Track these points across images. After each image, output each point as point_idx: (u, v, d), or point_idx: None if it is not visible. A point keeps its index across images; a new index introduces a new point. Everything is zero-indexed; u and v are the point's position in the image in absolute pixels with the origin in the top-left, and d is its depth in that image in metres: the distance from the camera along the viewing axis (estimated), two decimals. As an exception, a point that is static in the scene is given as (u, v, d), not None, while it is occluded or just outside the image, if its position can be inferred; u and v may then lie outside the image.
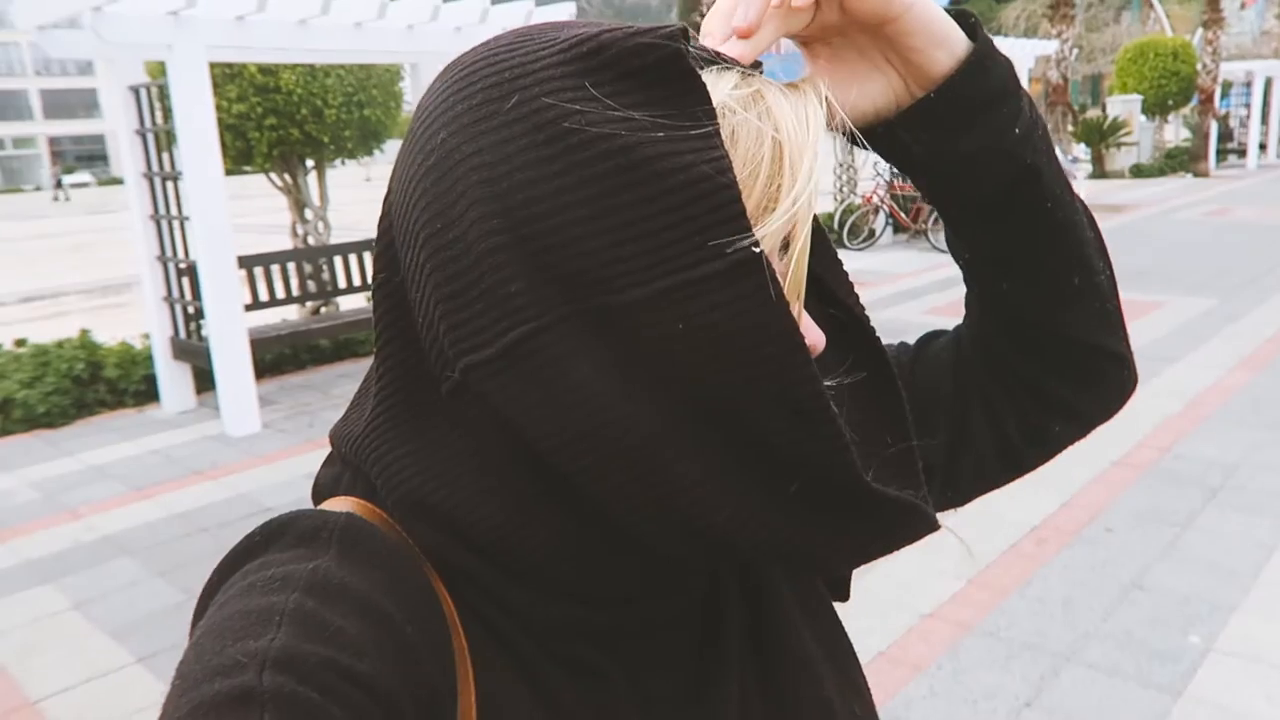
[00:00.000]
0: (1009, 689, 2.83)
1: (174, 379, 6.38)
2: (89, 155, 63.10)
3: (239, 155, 7.66)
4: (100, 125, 59.06)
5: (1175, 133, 23.85)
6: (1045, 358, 0.66)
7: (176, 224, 6.12)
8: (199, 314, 6.06)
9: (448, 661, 0.47)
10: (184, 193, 5.72)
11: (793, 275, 0.47)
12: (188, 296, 6.20)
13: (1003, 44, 12.31)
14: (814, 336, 0.50)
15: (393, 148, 8.98)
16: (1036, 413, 0.67)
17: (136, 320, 6.94)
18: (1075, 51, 17.20)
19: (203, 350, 5.92)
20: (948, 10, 0.56)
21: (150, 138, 6.05)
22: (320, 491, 0.57)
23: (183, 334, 6.28)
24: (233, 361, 5.78)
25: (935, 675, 2.92)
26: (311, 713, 0.39)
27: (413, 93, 8.23)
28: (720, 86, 0.45)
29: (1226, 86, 23.78)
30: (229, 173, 6.30)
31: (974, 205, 0.60)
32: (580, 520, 0.47)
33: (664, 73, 0.43)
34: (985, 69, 0.56)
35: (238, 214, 7.38)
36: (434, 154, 0.45)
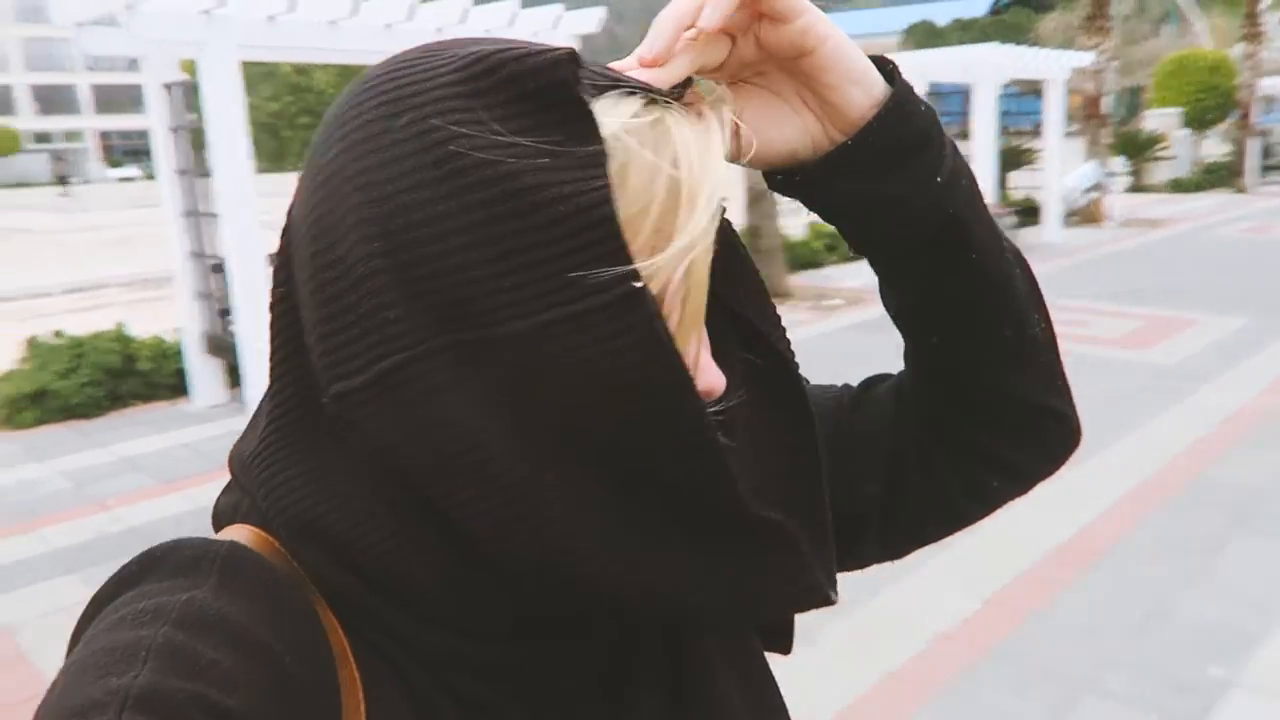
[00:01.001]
0: (1026, 716, 2.80)
1: (205, 373, 6.47)
2: (135, 150, 64.04)
3: (272, 154, 7.77)
4: (145, 120, 59.72)
5: (1216, 147, 23.49)
6: (979, 413, 0.64)
7: (208, 220, 6.19)
8: (229, 310, 6.14)
9: (332, 694, 0.46)
10: (213, 190, 5.79)
11: (688, 313, 0.46)
12: (219, 292, 6.28)
13: (1037, 56, 12.24)
14: (710, 378, 0.49)
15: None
16: (973, 468, 0.66)
17: (173, 314, 7.04)
18: (1114, 64, 16.95)
19: (232, 345, 5.99)
20: (871, 58, 0.55)
21: (183, 134, 6.14)
22: (219, 519, 0.55)
23: (214, 329, 6.36)
24: (260, 358, 5.84)
25: (949, 698, 2.89)
26: None
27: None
28: (618, 113, 0.44)
29: (1268, 101, 23.40)
30: (263, 170, 6.37)
31: (897, 254, 0.58)
32: (461, 552, 0.46)
33: (551, 98, 0.42)
34: (905, 114, 0.54)
35: (269, 211, 7.49)
36: (324, 170, 0.44)
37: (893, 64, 0.56)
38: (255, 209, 5.70)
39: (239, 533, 0.51)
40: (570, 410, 0.42)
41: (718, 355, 0.52)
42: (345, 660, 0.47)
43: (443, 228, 0.40)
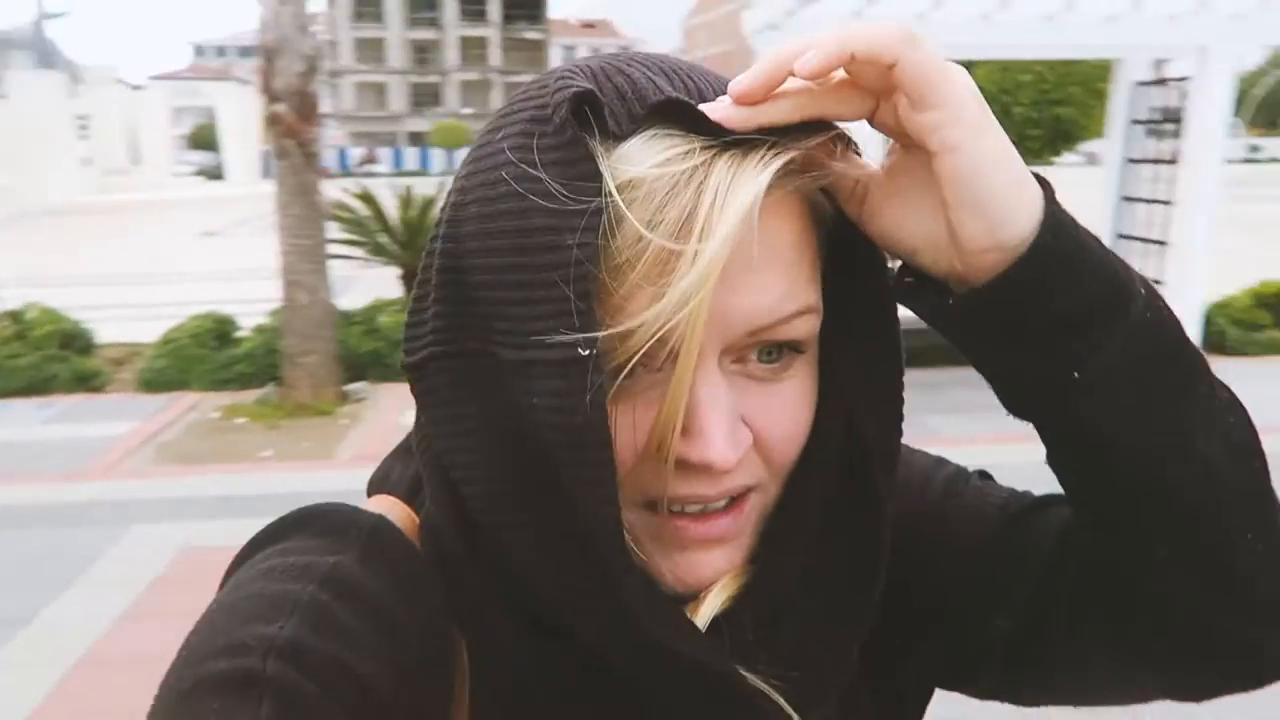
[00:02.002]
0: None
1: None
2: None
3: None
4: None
5: None
6: (1141, 609, 0.51)
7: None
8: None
9: (447, 675, 0.48)
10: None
11: (670, 397, 0.43)
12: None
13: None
14: (705, 450, 0.44)
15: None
16: (1124, 657, 0.54)
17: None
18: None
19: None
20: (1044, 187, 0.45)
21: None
22: (372, 484, 0.58)
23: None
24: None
25: None
26: (308, 706, 0.39)
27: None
28: (644, 157, 0.42)
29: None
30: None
31: (1024, 417, 0.49)
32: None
33: (563, 139, 0.42)
34: (1046, 284, 0.43)
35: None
36: (460, 167, 0.48)
37: (1052, 202, 0.44)
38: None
39: (385, 504, 0.54)
40: (535, 448, 0.43)
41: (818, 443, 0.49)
42: (460, 655, 0.49)
43: (486, 245, 0.43)
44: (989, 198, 0.43)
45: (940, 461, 0.64)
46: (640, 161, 0.42)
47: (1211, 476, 0.46)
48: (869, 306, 0.50)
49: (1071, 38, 6.30)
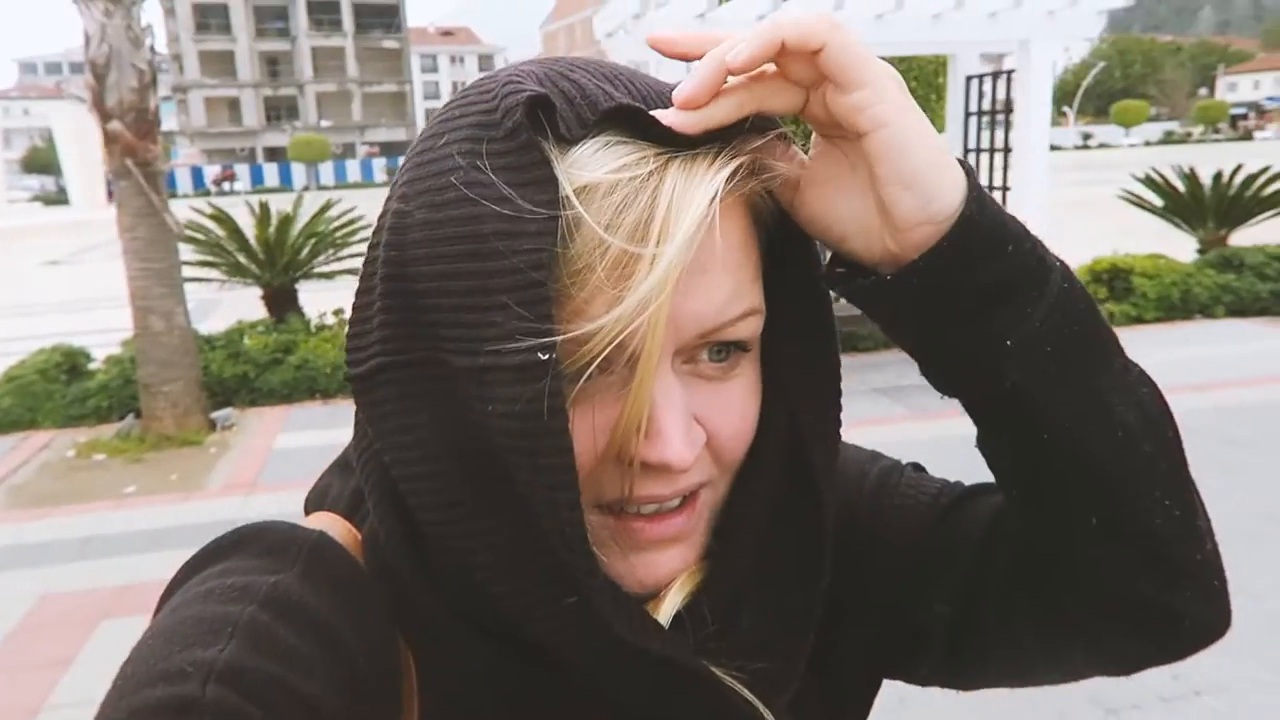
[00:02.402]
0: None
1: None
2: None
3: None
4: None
5: None
6: (1071, 583, 0.53)
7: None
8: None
9: (394, 692, 0.47)
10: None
11: (633, 400, 0.44)
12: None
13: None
14: (663, 450, 0.45)
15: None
16: (1056, 635, 0.56)
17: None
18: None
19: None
20: (960, 160, 0.47)
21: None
22: (310, 501, 0.57)
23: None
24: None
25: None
26: None
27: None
28: (598, 164, 0.43)
29: None
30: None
31: (956, 396, 0.51)
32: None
33: (516, 143, 0.42)
34: (973, 254, 0.45)
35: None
36: (397, 174, 0.47)
37: (973, 179, 0.47)
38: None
39: (325, 521, 0.53)
40: (494, 457, 0.42)
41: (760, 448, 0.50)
42: (409, 670, 0.49)
43: (435, 251, 0.42)
44: (919, 171, 0.44)
45: (875, 455, 0.66)
46: (595, 167, 0.42)
47: (1130, 445, 0.48)
48: (805, 300, 0.51)
49: (903, 35, 6.71)
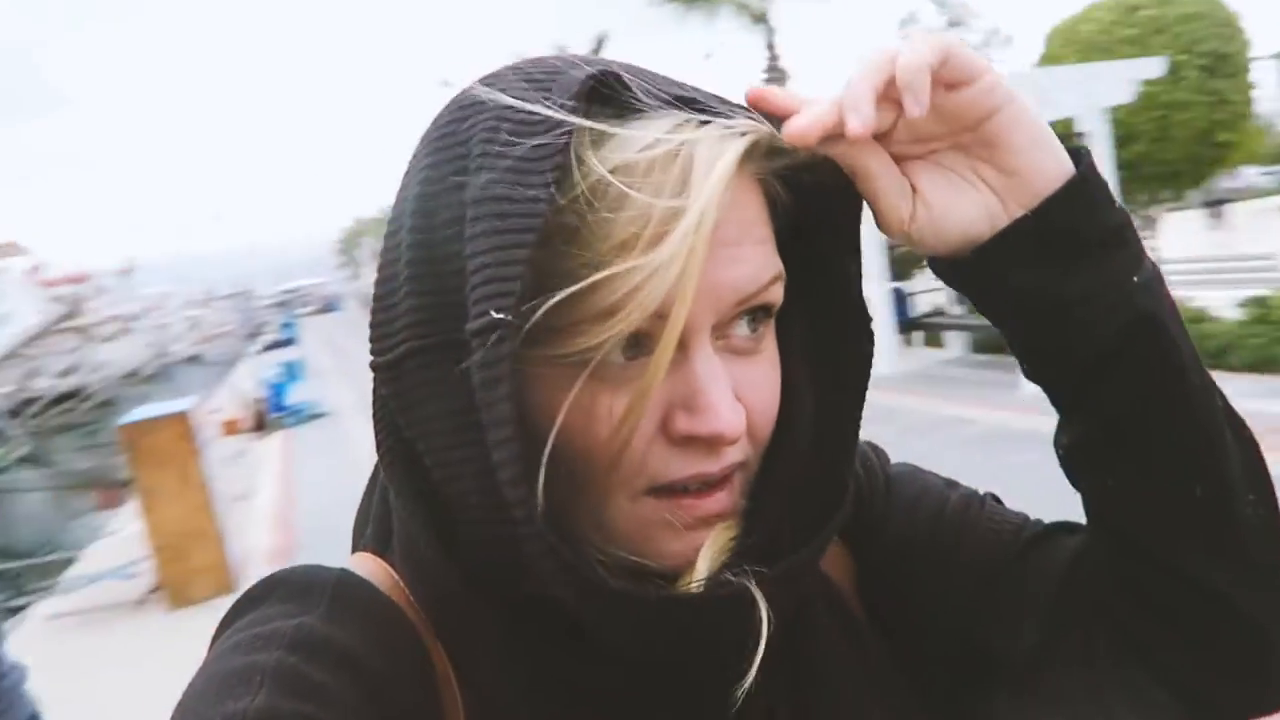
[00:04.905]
0: None
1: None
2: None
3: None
4: None
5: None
6: (1153, 600, 0.53)
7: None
8: None
9: (435, 716, 0.48)
10: None
11: (680, 376, 0.46)
12: None
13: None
14: (711, 421, 0.46)
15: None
16: (1139, 674, 0.54)
17: None
18: None
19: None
20: (1059, 136, 0.51)
21: None
22: (355, 528, 0.58)
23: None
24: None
25: None
26: None
27: None
28: (641, 134, 0.45)
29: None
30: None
31: (1077, 361, 0.51)
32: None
33: (533, 121, 0.44)
34: (1096, 200, 0.50)
35: None
36: (412, 158, 0.49)
37: (1084, 147, 0.51)
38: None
39: (355, 560, 0.55)
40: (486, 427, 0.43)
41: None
42: (448, 684, 0.49)
43: (456, 231, 0.44)
44: (1043, 129, 0.50)
45: (951, 482, 0.66)
46: (627, 146, 0.45)
47: (1229, 427, 0.51)
48: (826, 275, 0.54)
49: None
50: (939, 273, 0.53)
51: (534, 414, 0.46)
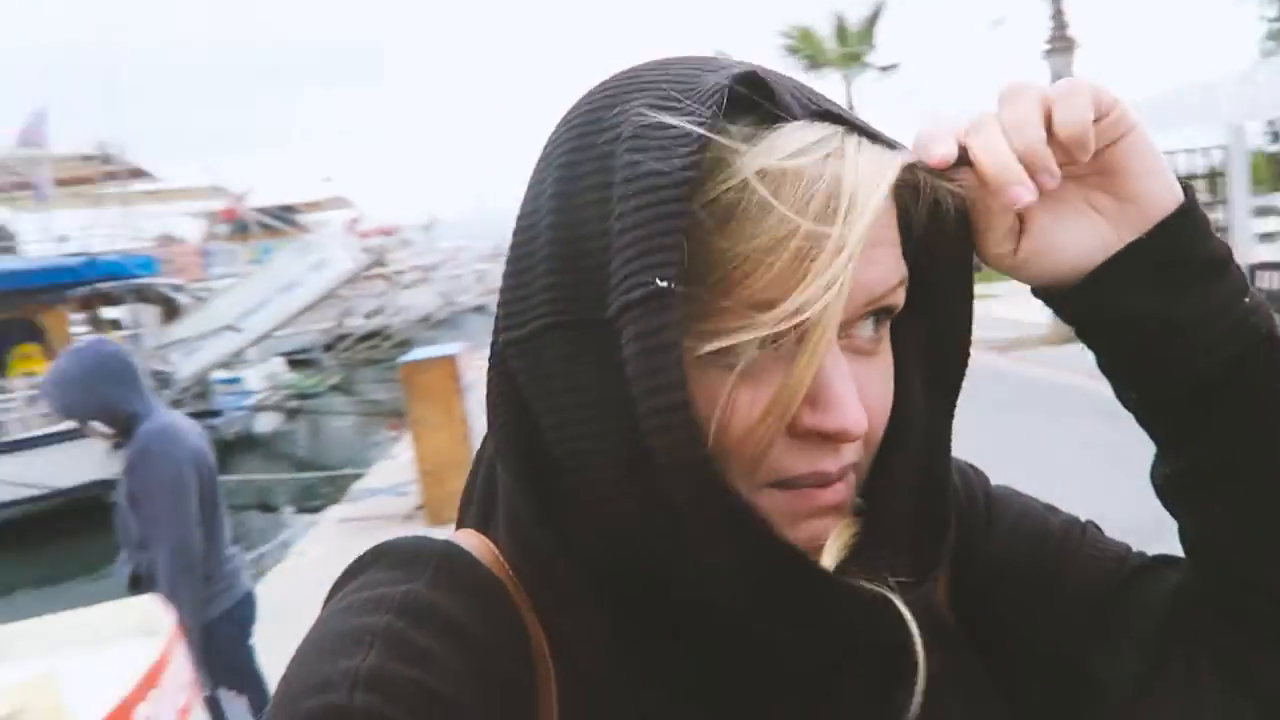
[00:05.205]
0: None
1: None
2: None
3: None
4: None
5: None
6: (1254, 632, 0.54)
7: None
8: None
9: (530, 689, 0.48)
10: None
11: (804, 370, 0.44)
12: None
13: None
14: (839, 417, 0.46)
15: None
16: (1245, 702, 0.55)
17: None
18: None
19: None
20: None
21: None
22: (459, 513, 0.60)
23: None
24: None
25: None
26: None
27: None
28: (789, 140, 0.45)
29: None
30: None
31: (1188, 386, 0.51)
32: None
33: (685, 117, 0.44)
34: (1204, 229, 0.51)
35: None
36: (552, 139, 0.49)
37: (1189, 185, 0.52)
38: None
39: (460, 536, 0.56)
40: (630, 406, 0.43)
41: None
42: (543, 659, 0.49)
43: (602, 211, 0.44)
44: (1159, 157, 0.51)
45: (1051, 507, 0.66)
46: (780, 150, 0.44)
47: None
48: (947, 284, 0.54)
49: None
50: (1044, 298, 0.55)
51: None
